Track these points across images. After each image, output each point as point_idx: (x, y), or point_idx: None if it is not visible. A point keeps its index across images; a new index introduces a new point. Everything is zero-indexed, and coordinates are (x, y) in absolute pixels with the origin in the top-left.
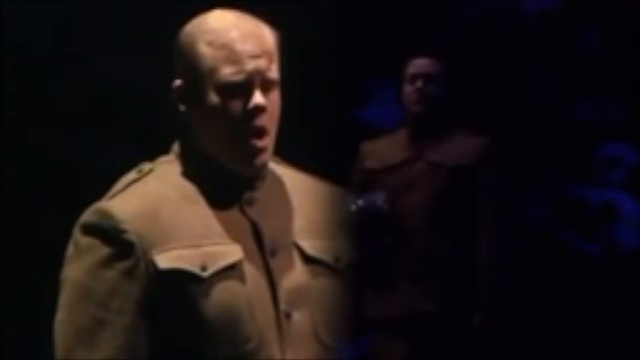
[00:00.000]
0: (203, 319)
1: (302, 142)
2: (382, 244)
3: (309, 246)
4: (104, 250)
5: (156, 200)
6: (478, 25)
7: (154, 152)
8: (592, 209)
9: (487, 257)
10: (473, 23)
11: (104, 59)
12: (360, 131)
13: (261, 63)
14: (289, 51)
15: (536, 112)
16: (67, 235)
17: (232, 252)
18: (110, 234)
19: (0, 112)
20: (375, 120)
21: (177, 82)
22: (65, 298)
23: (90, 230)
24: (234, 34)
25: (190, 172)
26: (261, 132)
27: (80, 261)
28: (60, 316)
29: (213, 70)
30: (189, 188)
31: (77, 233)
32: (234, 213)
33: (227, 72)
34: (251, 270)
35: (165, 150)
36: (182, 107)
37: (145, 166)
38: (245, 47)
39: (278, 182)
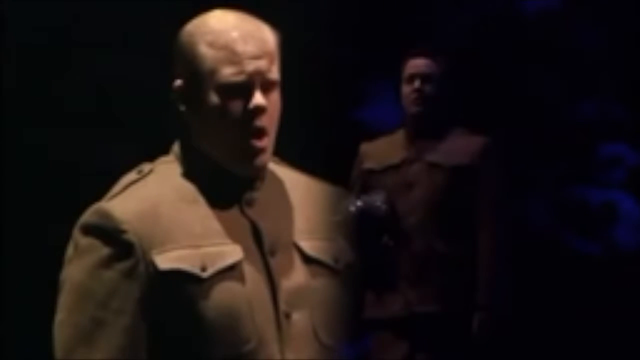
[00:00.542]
0: (203, 319)
1: (302, 142)
2: (381, 244)
3: (309, 246)
4: (104, 251)
5: (156, 201)
6: (478, 25)
7: (154, 152)
8: (592, 209)
9: (487, 257)
10: (473, 23)
11: (104, 60)
12: (359, 131)
13: (262, 64)
14: (289, 51)
15: (536, 112)
16: (67, 235)
17: (232, 253)
18: (110, 234)
19: (1, 112)
20: (374, 121)
21: (178, 83)
22: (65, 299)
23: (90, 230)
24: (234, 35)
25: (190, 172)
26: (261, 133)
27: (80, 262)
28: (60, 317)
29: (213, 71)
30: (189, 188)
31: (76, 233)
32: (233, 213)
33: (228, 73)
34: (251, 271)
35: (166, 151)
36: (182, 107)
37: (146, 167)
38: (245, 48)
39: (278, 182)
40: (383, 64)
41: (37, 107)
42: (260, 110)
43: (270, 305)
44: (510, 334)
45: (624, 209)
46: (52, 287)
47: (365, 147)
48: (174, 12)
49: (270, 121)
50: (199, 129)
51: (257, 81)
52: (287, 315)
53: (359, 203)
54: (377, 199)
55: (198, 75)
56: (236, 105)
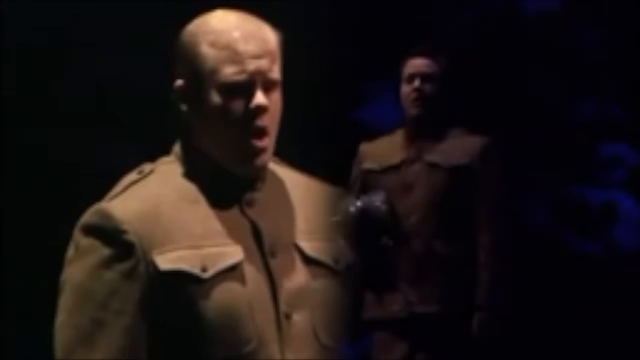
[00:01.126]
0: (203, 319)
1: (302, 142)
2: (381, 245)
3: (309, 247)
4: (105, 251)
5: (157, 201)
6: (478, 25)
7: (154, 152)
8: (592, 209)
9: (487, 257)
10: (473, 23)
11: (103, 60)
12: (359, 131)
13: (263, 63)
14: (289, 51)
15: (536, 112)
16: (67, 236)
17: (233, 253)
18: (110, 234)
19: (1, 112)
20: (374, 121)
21: (179, 82)
22: (65, 300)
23: (91, 231)
24: (236, 35)
25: (191, 173)
26: (262, 133)
27: (81, 262)
28: (61, 318)
29: (215, 71)
30: (190, 189)
31: (77, 234)
32: (234, 214)
33: (229, 72)
34: (251, 271)
35: (166, 151)
36: (183, 107)
37: (146, 167)
38: (247, 47)
39: (278, 183)
40: (383, 64)
41: (37, 107)
42: (261, 109)
43: (271, 305)
44: (510, 334)
45: (624, 209)
46: (51, 288)
47: (365, 147)
48: (174, 12)
49: (271, 121)
50: (200, 129)
51: (258, 81)
52: (288, 316)
53: (358, 203)
54: (377, 199)
55: (199, 75)
56: (237, 105)
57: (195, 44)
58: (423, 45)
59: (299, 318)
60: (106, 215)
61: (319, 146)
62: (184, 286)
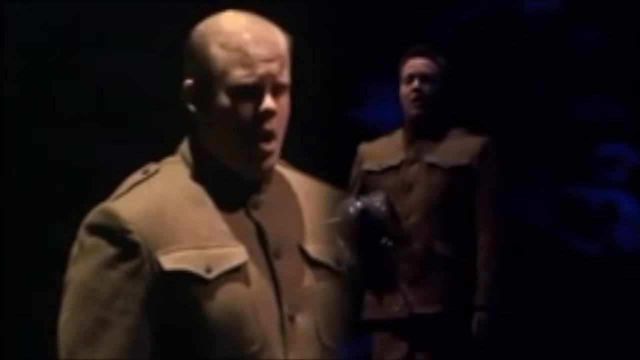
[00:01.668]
0: (207, 320)
1: (301, 142)
2: (381, 245)
3: (313, 249)
4: (109, 251)
5: (161, 202)
6: (477, 25)
7: (154, 152)
8: (592, 209)
9: (487, 257)
10: (472, 23)
11: (104, 60)
12: (359, 131)
13: (273, 67)
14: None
15: (536, 112)
16: (67, 235)
17: (237, 255)
18: (115, 234)
19: (1, 112)
20: (374, 121)
21: (188, 82)
22: (69, 298)
23: (96, 230)
24: (247, 37)
25: (197, 173)
26: (270, 136)
27: (85, 261)
28: (65, 317)
29: (225, 72)
30: (195, 189)
31: (82, 233)
32: (239, 215)
33: (239, 75)
34: (256, 273)
35: (166, 151)
36: (191, 107)
37: (151, 167)
38: (258, 50)
39: (284, 185)
40: (383, 64)
41: (37, 107)
42: (270, 113)
43: (275, 307)
44: (510, 334)
45: (624, 209)
46: (53, 287)
47: (364, 148)
48: (174, 12)
49: (279, 125)
50: (207, 130)
51: (267, 84)
52: (291, 318)
53: (358, 204)
54: (377, 200)
55: (209, 76)
56: (246, 108)
57: (206, 45)
58: (422, 46)
59: (302, 320)
60: (111, 215)
61: (319, 146)
62: (188, 286)
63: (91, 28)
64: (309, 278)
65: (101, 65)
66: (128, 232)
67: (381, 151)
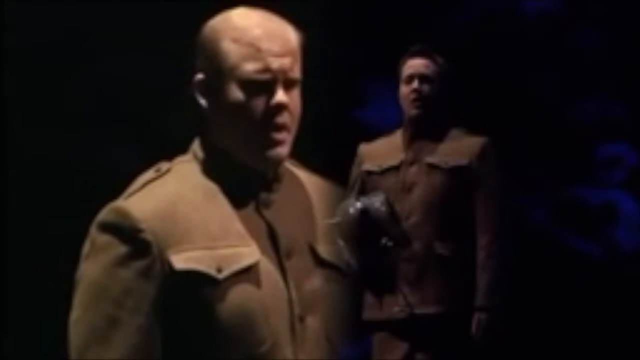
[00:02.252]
0: (217, 320)
1: (301, 142)
2: (381, 246)
3: (324, 250)
4: (121, 249)
5: (173, 200)
6: (478, 25)
7: (154, 152)
8: (592, 209)
9: (487, 257)
10: (473, 23)
11: (104, 60)
12: (359, 131)
13: (285, 62)
14: None
15: (536, 112)
16: (67, 235)
17: (248, 255)
18: (127, 233)
19: (1, 112)
20: (374, 121)
21: (199, 76)
22: (80, 297)
23: (107, 228)
24: (259, 32)
25: (208, 172)
26: (281, 128)
27: (96, 260)
28: (75, 315)
29: (236, 66)
30: (207, 189)
31: (93, 231)
32: (250, 214)
33: (251, 69)
34: (266, 273)
35: (166, 151)
36: (202, 102)
37: (163, 166)
38: (270, 45)
39: (295, 185)
40: (383, 64)
41: (37, 107)
42: (282, 107)
43: (286, 308)
44: (509, 335)
45: (624, 209)
46: (53, 286)
47: (364, 148)
48: (175, 13)
49: (291, 119)
50: (219, 124)
51: (279, 79)
52: (302, 319)
53: (358, 205)
54: (377, 201)
55: (221, 70)
56: (258, 102)
57: (218, 39)
58: (422, 46)
59: (312, 320)
60: (123, 214)
61: (318, 146)
62: (198, 286)
63: (92, 28)
64: (319, 278)
65: (101, 66)
66: (140, 230)
67: (381, 152)
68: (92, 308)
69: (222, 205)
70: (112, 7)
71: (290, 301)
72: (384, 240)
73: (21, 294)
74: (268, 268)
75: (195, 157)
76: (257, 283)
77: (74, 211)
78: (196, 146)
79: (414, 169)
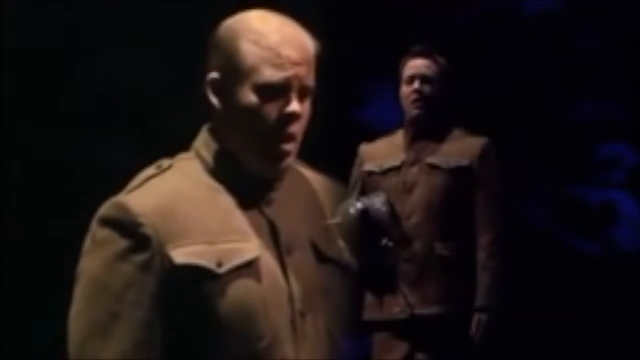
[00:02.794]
0: (217, 315)
1: (301, 142)
2: (381, 246)
3: (325, 246)
4: (121, 243)
5: (174, 196)
6: (478, 26)
7: (154, 152)
8: (592, 209)
9: (487, 258)
10: (473, 23)
11: (104, 60)
12: (359, 131)
13: (302, 70)
14: None
15: (536, 112)
16: (67, 235)
17: (249, 250)
18: (127, 227)
19: (1, 112)
20: (374, 121)
21: (213, 75)
22: (80, 291)
23: (108, 223)
24: (279, 38)
25: (211, 169)
26: (291, 138)
27: (97, 254)
28: (76, 309)
29: (254, 69)
30: (208, 185)
31: (94, 226)
32: (251, 211)
33: (268, 74)
34: (267, 269)
35: (166, 151)
36: (214, 100)
37: (165, 162)
38: (289, 52)
39: (296, 182)
40: (383, 64)
41: (37, 107)
42: (295, 117)
43: (286, 303)
44: (510, 336)
45: (624, 209)
46: (54, 286)
47: (365, 149)
48: (175, 12)
49: (300, 128)
50: (228, 124)
51: (295, 86)
52: (302, 314)
53: (359, 205)
54: (377, 201)
55: (236, 71)
56: (271, 108)
57: (236, 40)
58: (423, 46)
59: (313, 316)
60: (123, 208)
61: (319, 146)
62: (198, 281)
63: (92, 28)
64: (320, 275)
65: (101, 66)
66: (140, 225)
67: (382, 152)
68: (92, 302)
69: (223, 201)
70: (112, 7)
71: (290, 297)
72: (384, 241)
73: (21, 294)
74: (269, 263)
75: (198, 154)
76: (258, 278)
77: (74, 211)
78: (199, 144)
79: (414, 170)
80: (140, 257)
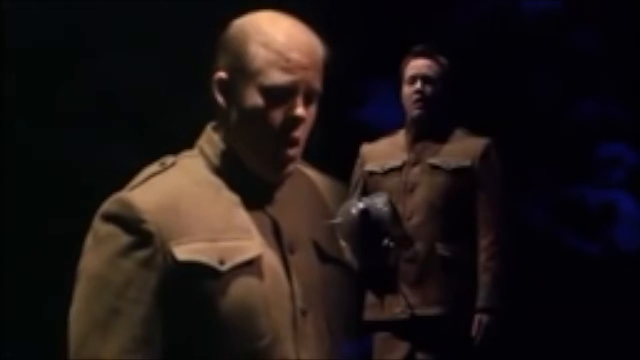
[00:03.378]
0: (218, 313)
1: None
2: (383, 247)
3: (327, 245)
4: (123, 239)
5: (177, 194)
6: (478, 26)
7: (154, 152)
8: (592, 209)
9: (488, 259)
10: (473, 23)
11: (104, 60)
12: (359, 131)
13: (309, 75)
14: None
15: (536, 112)
16: (67, 234)
17: (251, 248)
18: (129, 223)
19: (1, 112)
20: (374, 121)
21: (221, 75)
22: (82, 288)
23: (110, 219)
24: (289, 41)
25: (214, 167)
26: (295, 143)
27: (99, 250)
28: (77, 306)
29: (261, 71)
30: (211, 183)
31: (96, 222)
32: (254, 209)
33: (276, 77)
34: (269, 267)
35: (166, 150)
36: (220, 100)
37: (168, 160)
38: (298, 56)
39: (299, 181)
40: (383, 64)
41: (37, 107)
42: (300, 121)
43: (288, 302)
44: (510, 336)
45: (624, 209)
46: (54, 285)
47: (366, 149)
48: (175, 13)
49: (304, 132)
50: (233, 125)
51: (301, 90)
52: (304, 313)
53: (360, 205)
54: (379, 201)
55: (244, 72)
56: (277, 111)
57: (245, 41)
58: (424, 46)
59: (314, 315)
60: (126, 204)
61: (319, 146)
62: (200, 278)
63: (91, 28)
64: (322, 273)
65: (101, 66)
66: (143, 221)
67: (383, 152)
68: (93, 299)
69: (225, 200)
70: (112, 7)
71: (292, 295)
72: (386, 241)
73: (21, 294)
74: (271, 262)
75: (202, 152)
76: (260, 276)
77: (74, 211)
78: (203, 141)
79: (416, 170)
80: (142, 254)
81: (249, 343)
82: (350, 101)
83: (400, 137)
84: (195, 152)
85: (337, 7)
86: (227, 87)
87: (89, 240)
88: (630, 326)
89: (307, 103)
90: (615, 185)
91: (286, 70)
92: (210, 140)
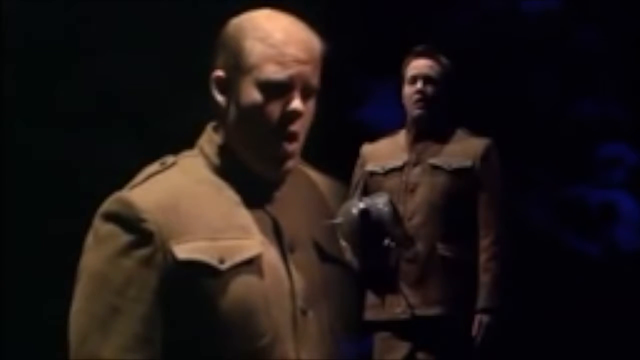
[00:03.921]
0: (218, 312)
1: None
2: (383, 247)
3: (327, 245)
4: (123, 239)
5: (177, 193)
6: (478, 26)
7: (154, 152)
8: (592, 209)
9: (489, 259)
10: (473, 23)
11: (104, 60)
12: (359, 131)
13: (306, 69)
14: None
15: (536, 112)
16: (67, 234)
17: (251, 247)
18: (130, 222)
19: (1, 112)
20: (374, 121)
21: (218, 73)
22: (82, 287)
23: (111, 218)
24: (285, 36)
25: (214, 167)
26: (293, 137)
27: (99, 249)
28: (77, 305)
29: (257, 66)
30: (211, 183)
31: (97, 221)
32: (254, 209)
33: (271, 71)
34: (269, 266)
35: (166, 151)
36: (219, 98)
37: (168, 159)
38: (294, 51)
39: (300, 181)
40: (383, 64)
41: (37, 107)
42: (297, 114)
43: (288, 301)
44: (511, 337)
45: (624, 209)
46: (54, 285)
47: (367, 149)
48: (175, 12)
49: (302, 127)
50: (232, 123)
51: (298, 85)
52: (304, 312)
53: (361, 205)
54: (380, 202)
55: (241, 68)
56: (274, 106)
57: (241, 38)
58: (425, 46)
59: (315, 314)
60: (127, 204)
61: (319, 146)
62: (200, 277)
63: (91, 28)
64: (322, 273)
65: (101, 66)
66: (143, 220)
67: (384, 152)
68: (93, 298)
69: (226, 199)
70: (112, 7)
71: (292, 294)
72: (386, 241)
73: (21, 294)
74: (271, 261)
75: (202, 152)
76: (260, 275)
77: (74, 211)
78: (203, 141)
79: (417, 170)
80: (142, 253)
81: (249, 342)
82: (350, 101)
83: (401, 137)
84: (195, 151)
85: (336, 6)
86: (225, 85)
87: (90, 240)
88: (630, 326)
89: (304, 98)
90: (615, 185)
91: (282, 64)
92: (211, 140)
